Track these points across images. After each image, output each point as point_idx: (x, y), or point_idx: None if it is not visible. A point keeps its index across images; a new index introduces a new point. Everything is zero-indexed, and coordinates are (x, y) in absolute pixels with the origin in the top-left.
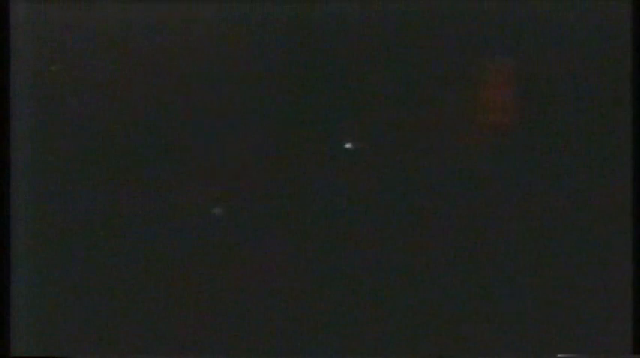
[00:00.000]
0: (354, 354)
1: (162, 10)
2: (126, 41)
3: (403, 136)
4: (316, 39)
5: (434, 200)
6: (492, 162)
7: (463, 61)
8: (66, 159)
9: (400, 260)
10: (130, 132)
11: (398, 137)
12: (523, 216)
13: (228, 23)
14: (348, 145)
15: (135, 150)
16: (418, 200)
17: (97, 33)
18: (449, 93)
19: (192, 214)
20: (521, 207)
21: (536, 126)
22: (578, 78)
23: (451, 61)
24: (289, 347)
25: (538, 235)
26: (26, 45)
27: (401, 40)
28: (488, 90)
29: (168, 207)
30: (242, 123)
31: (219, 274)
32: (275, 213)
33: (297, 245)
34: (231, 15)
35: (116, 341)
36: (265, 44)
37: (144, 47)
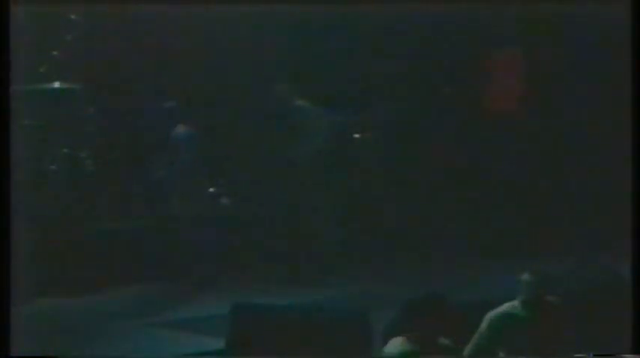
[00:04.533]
0: None
1: (162, 10)
2: (129, 39)
3: (409, 127)
4: (327, 33)
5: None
6: (492, 157)
7: (465, 60)
8: (65, 158)
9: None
10: (130, 131)
11: (404, 127)
12: (523, 215)
13: (233, 21)
14: (356, 135)
15: (136, 150)
16: (423, 194)
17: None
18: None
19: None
20: (522, 203)
21: (536, 124)
22: (578, 76)
23: (454, 58)
24: None
25: (537, 234)
26: (26, 45)
27: (409, 35)
28: (489, 86)
29: (171, 207)
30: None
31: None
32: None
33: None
34: (236, 13)
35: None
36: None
37: (147, 45)
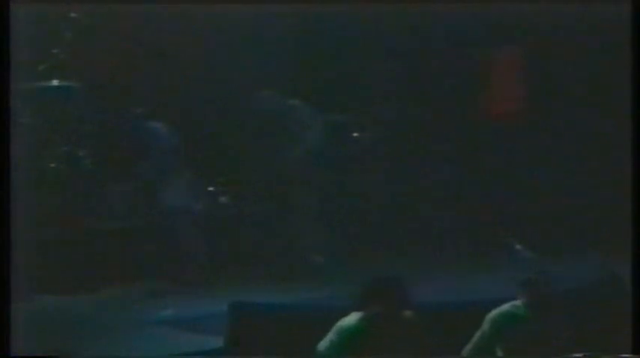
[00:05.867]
0: None
1: (161, 8)
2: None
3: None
4: (327, 35)
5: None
6: (492, 156)
7: (465, 60)
8: (65, 156)
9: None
10: (129, 130)
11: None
12: (524, 216)
13: (232, 21)
14: (354, 135)
15: (135, 149)
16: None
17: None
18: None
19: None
20: (522, 205)
21: (536, 124)
22: (578, 76)
23: (454, 58)
24: None
25: (537, 234)
26: (26, 45)
27: (409, 35)
28: (489, 86)
29: (170, 206)
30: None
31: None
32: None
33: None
34: (236, 13)
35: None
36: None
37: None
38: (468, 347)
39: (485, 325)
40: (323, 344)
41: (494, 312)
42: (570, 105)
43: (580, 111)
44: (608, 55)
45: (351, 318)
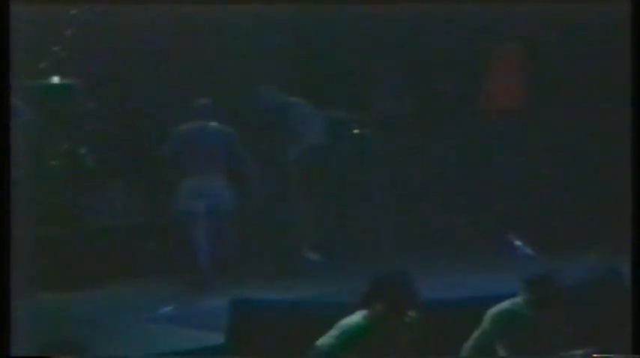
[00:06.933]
0: None
1: (162, 7)
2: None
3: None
4: (327, 30)
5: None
6: (492, 155)
7: (465, 59)
8: (65, 156)
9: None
10: (130, 129)
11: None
12: (524, 213)
13: (231, 20)
14: (354, 134)
15: (136, 147)
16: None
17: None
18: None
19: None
20: (523, 202)
21: (536, 123)
22: (578, 76)
23: (454, 56)
24: None
25: (538, 232)
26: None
27: (408, 33)
28: (488, 84)
29: (170, 203)
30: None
31: None
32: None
33: None
34: (235, 13)
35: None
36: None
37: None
38: (468, 344)
39: (485, 322)
40: (326, 343)
41: (494, 310)
42: (570, 104)
43: (580, 111)
44: (608, 54)
45: (355, 317)
